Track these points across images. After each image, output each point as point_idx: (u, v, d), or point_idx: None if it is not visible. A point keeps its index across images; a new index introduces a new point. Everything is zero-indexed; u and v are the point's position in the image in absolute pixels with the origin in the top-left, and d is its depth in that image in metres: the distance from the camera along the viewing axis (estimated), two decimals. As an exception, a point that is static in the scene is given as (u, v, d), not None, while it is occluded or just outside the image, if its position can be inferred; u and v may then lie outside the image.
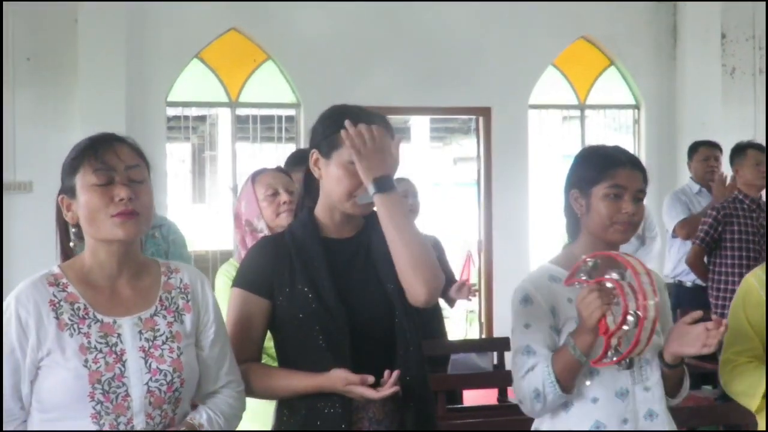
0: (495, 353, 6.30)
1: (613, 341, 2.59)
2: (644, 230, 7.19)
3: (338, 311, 2.62)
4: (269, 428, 2.83)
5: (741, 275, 6.14)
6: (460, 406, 5.86)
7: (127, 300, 2.55)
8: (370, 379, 2.53)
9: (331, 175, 2.73)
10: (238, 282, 2.77)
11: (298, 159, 4.97)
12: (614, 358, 2.61)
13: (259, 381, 2.70)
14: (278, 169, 3.74)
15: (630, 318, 2.56)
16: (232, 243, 3.89)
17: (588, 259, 2.66)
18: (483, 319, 10.01)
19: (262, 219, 3.57)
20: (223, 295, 3.54)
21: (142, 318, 2.53)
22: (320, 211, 2.79)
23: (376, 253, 2.73)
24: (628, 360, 2.64)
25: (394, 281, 2.67)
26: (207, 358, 2.61)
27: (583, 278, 2.66)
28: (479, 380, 5.77)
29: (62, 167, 2.56)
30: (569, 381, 2.74)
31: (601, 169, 2.87)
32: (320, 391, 2.60)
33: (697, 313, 2.68)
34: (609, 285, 2.59)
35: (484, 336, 9.76)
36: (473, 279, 9.91)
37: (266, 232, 3.54)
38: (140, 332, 2.51)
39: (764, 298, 3.14)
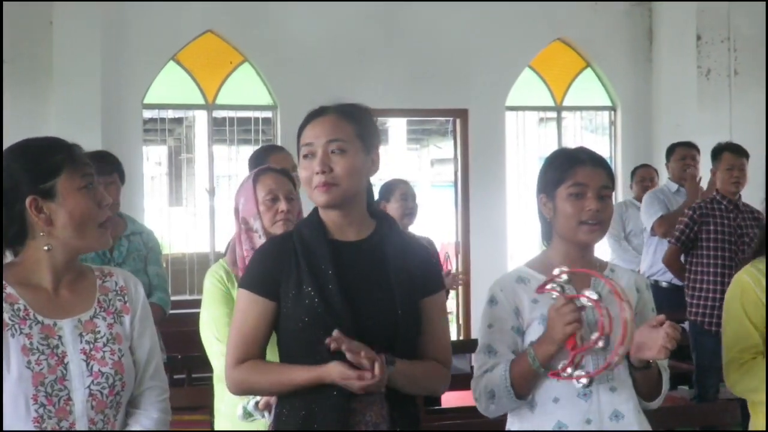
0: (472, 355, 6.29)
1: (578, 358, 2.59)
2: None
3: (344, 314, 2.60)
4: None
5: (716, 275, 6.18)
6: (438, 407, 5.85)
7: (66, 302, 2.51)
8: (367, 375, 2.51)
9: (300, 173, 2.74)
10: (245, 283, 2.75)
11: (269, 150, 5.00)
12: (573, 374, 2.61)
13: (260, 376, 2.68)
14: (282, 171, 3.69)
15: (601, 341, 2.57)
16: (210, 243, 3.87)
17: (563, 274, 2.66)
18: (461, 321, 10.02)
19: (259, 220, 3.54)
20: (210, 297, 3.53)
21: (82, 320, 2.50)
22: (323, 212, 2.78)
23: (390, 260, 2.71)
24: (588, 379, 2.64)
25: (403, 290, 2.67)
26: (136, 360, 2.59)
27: (558, 290, 2.66)
28: (457, 382, 5.75)
29: (25, 167, 2.44)
30: (524, 388, 2.76)
31: (563, 170, 2.87)
32: (319, 382, 2.58)
33: (660, 317, 2.68)
34: (588, 304, 2.60)
35: (461, 338, 9.77)
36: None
37: (261, 233, 3.51)
38: (81, 335, 2.48)
39: (762, 297, 3.16)
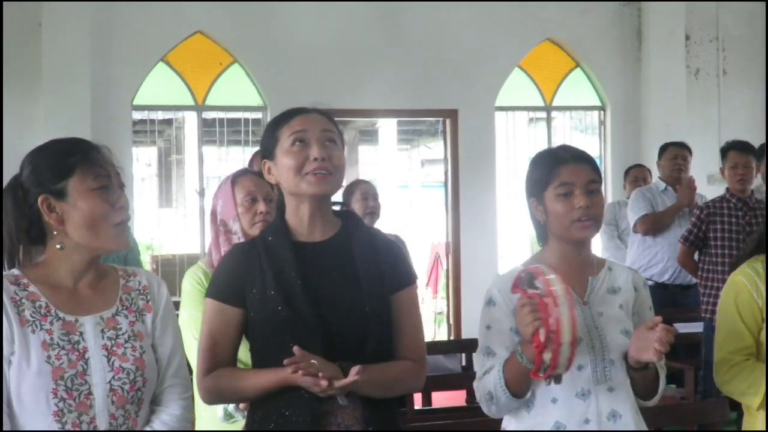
0: (463, 355, 6.31)
1: (546, 356, 2.58)
2: None
3: (310, 318, 2.61)
4: None
5: (726, 273, 6.21)
6: (428, 407, 5.86)
7: (87, 300, 2.55)
8: (323, 383, 2.49)
9: (281, 168, 2.71)
10: (211, 292, 2.76)
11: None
12: (542, 374, 2.62)
13: (229, 383, 2.69)
14: (260, 174, 3.70)
15: (541, 335, 2.56)
16: (200, 244, 3.87)
17: (522, 273, 2.67)
18: (451, 321, 10.02)
19: (238, 222, 3.55)
20: (190, 297, 3.53)
21: (104, 317, 2.54)
22: (290, 215, 2.77)
23: (359, 257, 2.71)
24: (553, 377, 2.64)
25: (372, 287, 2.67)
26: (158, 358, 2.62)
27: (524, 289, 2.66)
28: (447, 382, 5.77)
29: (41, 167, 2.52)
30: (519, 387, 2.76)
31: (547, 172, 2.87)
32: (284, 385, 2.58)
33: (657, 319, 2.69)
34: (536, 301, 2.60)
35: (452, 337, 9.78)
36: (441, 281, 9.94)
37: (240, 235, 3.51)
38: (102, 331, 2.51)
39: (756, 298, 3.16)
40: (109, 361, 2.48)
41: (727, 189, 6.46)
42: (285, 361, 2.50)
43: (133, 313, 2.59)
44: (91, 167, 2.51)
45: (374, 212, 5.98)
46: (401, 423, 2.91)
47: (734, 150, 6.44)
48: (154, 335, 2.62)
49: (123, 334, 2.54)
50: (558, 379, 2.66)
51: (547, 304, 2.56)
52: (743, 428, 3.28)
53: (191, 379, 2.77)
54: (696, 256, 6.58)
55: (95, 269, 2.59)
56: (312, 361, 2.50)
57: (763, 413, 3.15)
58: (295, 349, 2.50)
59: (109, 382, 2.47)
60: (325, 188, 2.68)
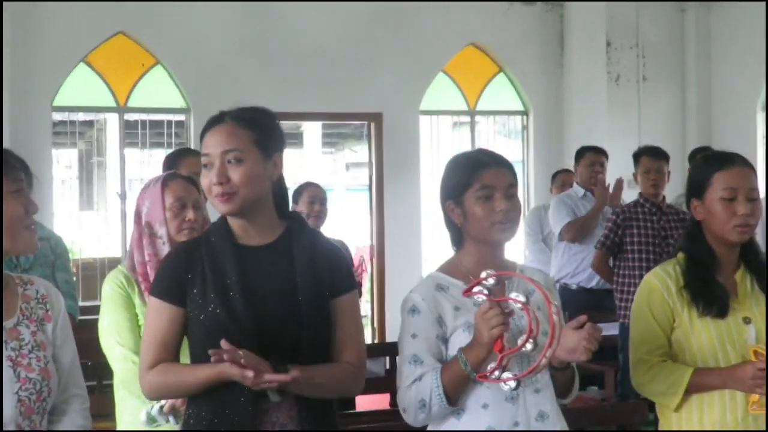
0: (387, 358, 6.31)
1: (505, 360, 2.61)
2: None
3: (246, 321, 2.62)
4: None
5: (642, 277, 6.30)
6: (352, 411, 5.85)
7: None
8: (249, 374, 2.49)
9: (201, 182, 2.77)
10: (154, 290, 2.77)
11: (179, 153, 4.93)
12: (501, 377, 2.63)
13: (169, 377, 2.70)
14: (189, 179, 3.65)
15: (529, 344, 2.59)
16: (121, 248, 3.81)
17: (490, 278, 2.68)
18: (376, 324, 10.04)
19: (165, 226, 3.49)
20: (110, 302, 3.48)
21: (6, 328, 2.50)
22: (230, 218, 2.77)
23: (298, 262, 2.72)
24: (516, 382, 2.67)
25: (310, 292, 2.68)
26: (59, 368, 2.60)
27: (485, 293, 2.67)
28: (372, 385, 5.76)
29: None
30: (456, 394, 2.77)
31: (468, 175, 2.89)
32: (221, 378, 2.58)
33: (582, 318, 2.72)
34: (517, 306, 2.61)
35: (376, 341, 9.79)
36: (366, 284, 9.94)
37: (165, 240, 3.47)
38: (5, 342, 2.47)
39: (666, 298, 3.20)
40: (15, 372, 2.45)
41: (640, 194, 6.56)
42: (210, 352, 2.51)
43: (34, 323, 2.56)
44: (8, 170, 2.47)
45: (319, 216, 6.05)
46: (339, 424, 2.89)
47: (646, 155, 6.55)
48: (55, 345, 2.60)
49: (26, 345, 2.51)
50: (518, 384, 2.69)
51: (530, 309, 2.58)
52: (659, 429, 3.33)
53: (87, 390, 2.76)
54: (610, 262, 6.66)
55: None
56: (239, 352, 2.51)
57: (678, 414, 3.20)
58: (223, 342, 2.52)
59: (17, 392, 2.44)
60: (228, 208, 2.70)
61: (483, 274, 2.69)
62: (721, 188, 3.16)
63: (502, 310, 2.61)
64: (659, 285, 3.23)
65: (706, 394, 3.14)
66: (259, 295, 2.67)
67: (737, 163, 3.20)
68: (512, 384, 2.67)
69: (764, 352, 3.04)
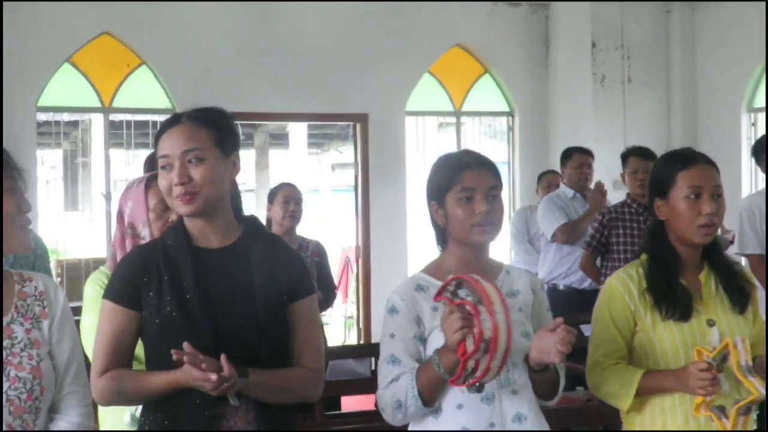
0: (373, 359, 6.31)
1: (470, 364, 2.59)
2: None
3: (203, 324, 2.61)
4: None
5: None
6: (338, 412, 5.85)
7: None
8: (212, 377, 2.48)
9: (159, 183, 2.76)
10: (108, 294, 2.74)
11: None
12: (468, 381, 2.63)
13: (122, 385, 2.67)
14: None
15: (482, 344, 2.57)
16: (106, 248, 3.79)
17: (453, 281, 2.68)
18: (361, 325, 10.03)
19: (148, 227, 3.48)
20: (93, 303, 3.46)
21: None
22: (187, 220, 2.76)
23: (255, 266, 2.71)
24: (477, 384, 2.65)
25: (267, 295, 2.67)
26: (55, 365, 2.58)
27: (448, 297, 2.67)
28: (357, 386, 5.77)
29: None
30: (431, 395, 2.77)
31: (450, 176, 2.89)
32: (176, 386, 2.57)
33: (558, 320, 2.72)
34: (468, 308, 2.61)
35: (362, 341, 9.79)
36: (351, 285, 9.95)
37: (148, 241, 3.45)
38: None
39: (627, 302, 3.19)
40: (4, 370, 2.43)
41: (628, 194, 6.57)
42: (173, 351, 2.49)
43: (29, 321, 2.54)
44: (5, 168, 2.47)
45: (294, 216, 6.03)
46: (297, 427, 2.89)
47: (634, 156, 6.56)
48: (51, 342, 2.58)
49: (19, 343, 2.49)
50: (480, 388, 2.68)
51: (480, 311, 2.56)
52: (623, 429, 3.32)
53: (89, 387, 2.73)
54: (598, 262, 6.67)
55: None
56: (200, 356, 2.50)
57: (641, 419, 3.19)
58: (185, 345, 2.50)
59: (6, 392, 2.42)
60: (190, 209, 2.68)
61: (449, 278, 2.69)
62: (686, 186, 3.15)
63: (462, 315, 2.58)
64: (621, 288, 3.19)
65: (668, 397, 3.10)
66: (216, 298, 2.65)
67: (701, 161, 3.19)
68: (475, 387, 2.65)
69: (708, 352, 2.99)
